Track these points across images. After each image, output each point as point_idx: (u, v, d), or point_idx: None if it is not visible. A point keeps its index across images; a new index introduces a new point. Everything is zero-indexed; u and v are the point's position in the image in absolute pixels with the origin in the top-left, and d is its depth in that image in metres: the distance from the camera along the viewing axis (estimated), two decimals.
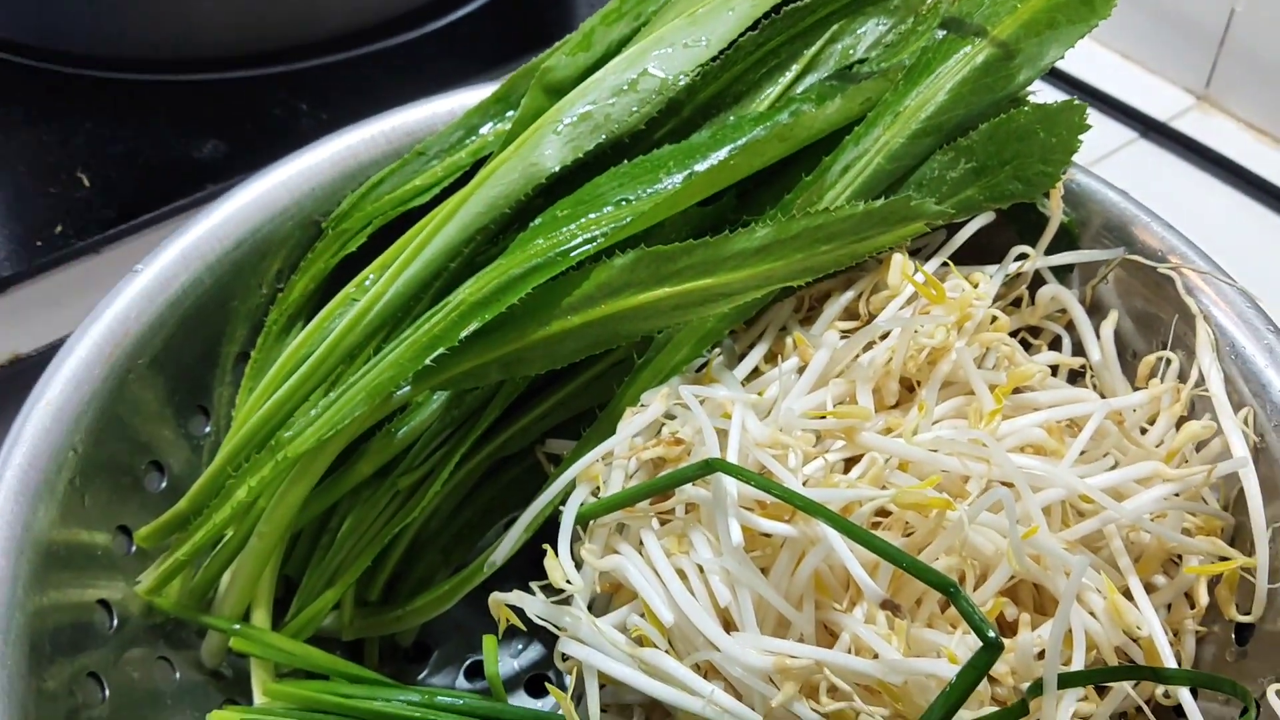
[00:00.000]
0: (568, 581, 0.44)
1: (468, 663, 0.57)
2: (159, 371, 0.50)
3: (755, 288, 0.46)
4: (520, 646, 0.58)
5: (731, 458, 0.44)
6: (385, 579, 0.53)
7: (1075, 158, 0.50)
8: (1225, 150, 0.78)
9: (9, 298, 0.62)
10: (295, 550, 0.52)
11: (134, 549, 0.49)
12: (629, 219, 0.47)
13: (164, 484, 0.51)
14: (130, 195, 0.63)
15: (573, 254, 0.46)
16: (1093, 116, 0.76)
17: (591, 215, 0.47)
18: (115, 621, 0.48)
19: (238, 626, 0.49)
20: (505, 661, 0.57)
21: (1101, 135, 0.79)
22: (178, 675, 0.50)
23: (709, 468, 0.43)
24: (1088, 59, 0.81)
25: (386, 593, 0.53)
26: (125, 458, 0.49)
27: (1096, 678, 0.41)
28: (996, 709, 0.41)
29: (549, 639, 0.47)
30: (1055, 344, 0.52)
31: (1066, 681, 0.41)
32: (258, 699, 0.48)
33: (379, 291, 0.48)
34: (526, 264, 0.46)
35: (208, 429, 0.53)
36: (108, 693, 0.46)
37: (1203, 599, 0.46)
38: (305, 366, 0.48)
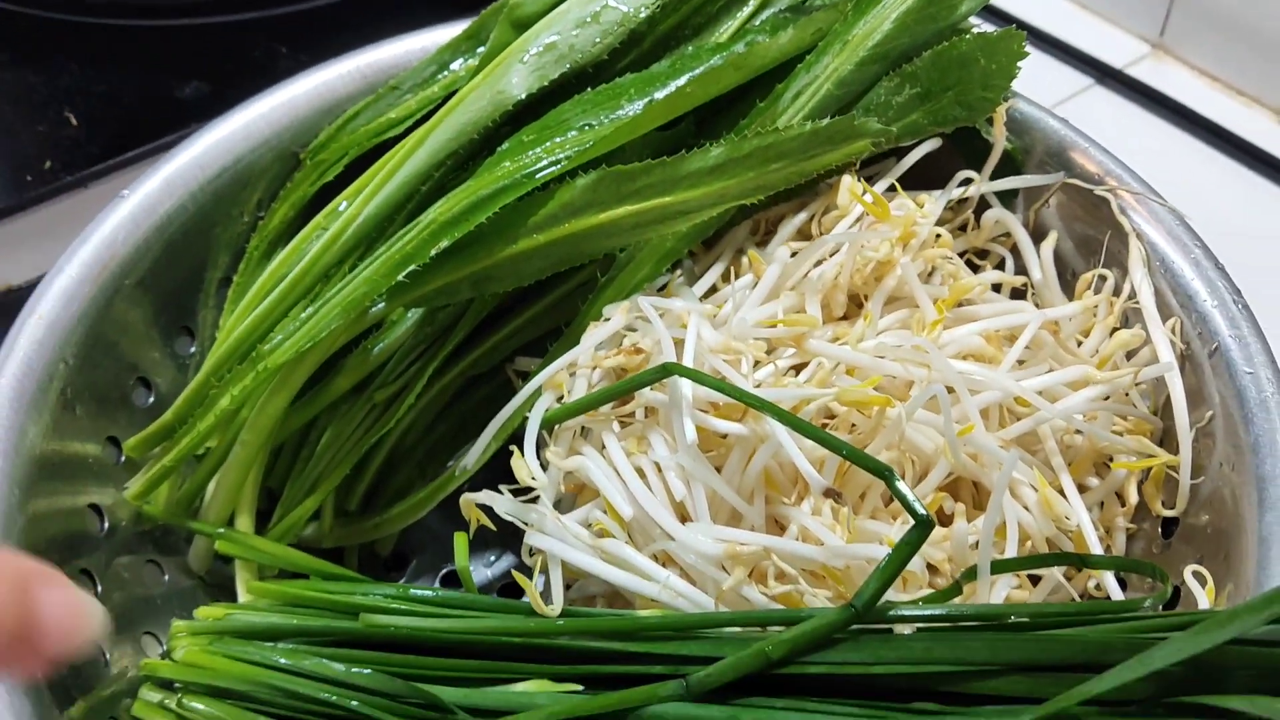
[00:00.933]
0: (533, 479, 0.46)
1: (443, 572, 0.60)
2: (145, 293, 0.53)
3: (711, 205, 0.49)
4: (493, 558, 0.60)
5: (688, 363, 0.47)
6: (364, 490, 0.55)
7: (1016, 89, 0.53)
8: (1180, 97, 0.81)
9: (1, 230, 0.64)
10: (277, 464, 0.55)
11: (123, 459, 0.52)
12: (591, 142, 0.49)
13: (151, 400, 0.54)
14: (115, 133, 0.66)
15: (538, 175, 0.49)
16: (1049, 63, 0.79)
17: (556, 139, 0.50)
18: (106, 526, 0.50)
19: (222, 530, 0.51)
20: (478, 571, 0.60)
21: (1057, 82, 0.81)
22: (166, 578, 0.52)
23: (666, 372, 0.46)
24: (1044, 7, 0.83)
25: (365, 505, 0.56)
26: (114, 373, 0.52)
27: (1025, 564, 0.44)
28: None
29: (520, 549, 0.50)
30: (1001, 266, 0.55)
31: (999, 567, 0.43)
32: (242, 598, 0.51)
33: (353, 213, 0.51)
34: (494, 185, 0.49)
35: (193, 349, 0.56)
36: (101, 589, 0.48)
37: (1132, 497, 0.49)
38: (284, 284, 0.51)
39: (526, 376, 0.55)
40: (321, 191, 0.56)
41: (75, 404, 0.50)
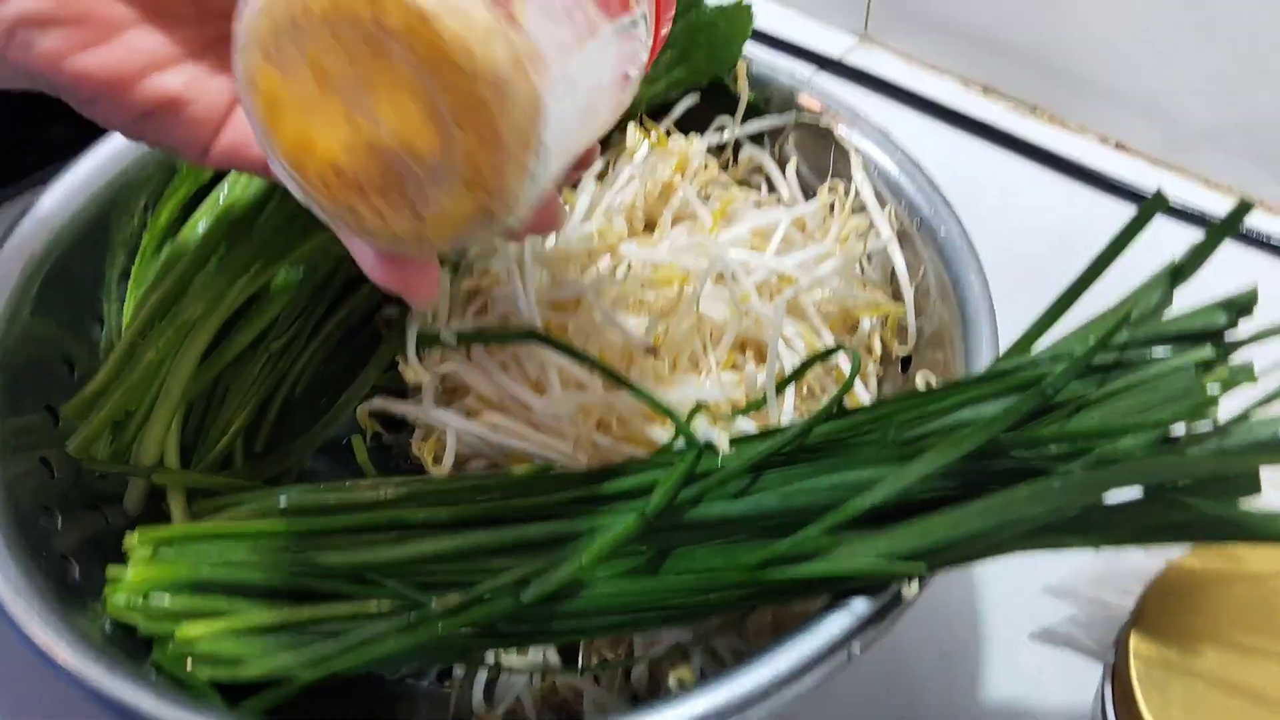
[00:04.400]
0: (418, 375, 0.58)
1: None
2: (59, 282, 0.62)
3: None
4: None
5: (528, 273, 0.59)
6: (267, 433, 0.66)
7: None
8: (887, 76, 0.98)
9: None
10: (189, 421, 0.65)
11: (59, 424, 0.61)
12: None
13: (75, 377, 0.63)
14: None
15: None
16: (778, 58, 0.95)
17: None
18: (56, 475, 0.59)
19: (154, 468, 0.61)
20: None
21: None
22: (109, 522, 0.62)
23: (530, 335, 0.58)
24: (769, 14, 1.00)
25: (269, 447, 0.66)
26: (42, 352, 0.61)
27: (796, 375, 0.57)
28: None
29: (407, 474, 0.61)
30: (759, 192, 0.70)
31: (781, 386, 0.57)
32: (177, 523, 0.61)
33: (235, 198, 0.62)
34: None
35: (104, 334, 0.65)
36: (61, 524, 0.58)
37: (877, 347, 0.64)
38: (185, 259, 0.61)
39: (392, 324, 0.67)
40: (198, 192, 0.67)
41: (17, 379, 0.59)
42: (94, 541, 0.60)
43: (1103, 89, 0.90)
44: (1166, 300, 0.50)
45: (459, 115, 0.36)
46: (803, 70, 0.98)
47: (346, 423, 0.65)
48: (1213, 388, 0.45)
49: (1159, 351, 0.49)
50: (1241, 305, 0.47)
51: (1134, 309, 0.49)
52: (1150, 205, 0.49)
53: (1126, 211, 0.88)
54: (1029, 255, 0.84)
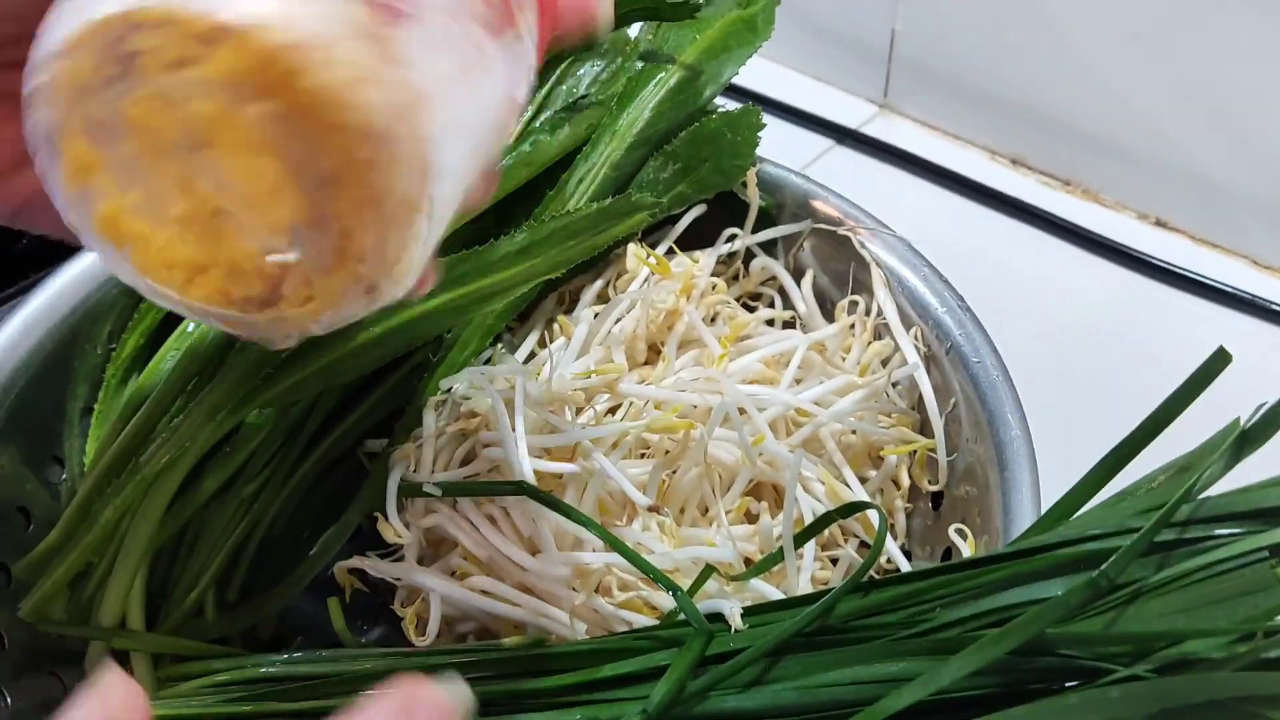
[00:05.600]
0: (399, 536, 0.53)
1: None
2: (16, 427, 0.58)
3: (522, 282, 0.57)
4: (365, 627, 0.66)
5: (518, 417, 0.54)
6: (240, 580, 0.60)
7: (771, 157, 0.63)
8: (907, 146, 0.93)
9: None
10: (157, 569, 0.60)
11: (12, 584, 0.56)
12: None
13: (30, 528, 0.58)
14: None
15: None
16: (794, 130, 0.90)
17: None
18: (6, 644, 0.54)
19: (116, 630, 0.56)
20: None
21: (805, 146, 0.93)
22: (66, 687, 0.57)
23: (521, 489, 0.52)
24: (782, 81, 0.95)
25: (243, 594, 0.61)
26: None
27: (815, 530, 0.52)
28: None
29: (392, 622, 0.56)
30: (772, 305, 0.65)
31: (799, 541, 0.52)
32: None
33: (204, 330, 0.57)
34: None
35: (64, 477, 0.60)
36: (10, 701, 0.53)
37: (904, 480, 0.58)
38: (149, 402, 0.56)
39: (375, 457, 0.62)
40: (166, 319, 0.62)
41: None
42: (45, 707, 0.55)
43: (1141, 162, 0.85)
44: (1231, 464, 0.44)
45: (330, 176, 0.29)
46: (819, 143, 0.93)
47: (328, 563, 0.60)
48: None
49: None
50: None
51: (1197, 480, 0.43)
52: (1214, 361, 0.43)
53: (1166, 294, 0.84)
54: (1060, 341, 0.79)
